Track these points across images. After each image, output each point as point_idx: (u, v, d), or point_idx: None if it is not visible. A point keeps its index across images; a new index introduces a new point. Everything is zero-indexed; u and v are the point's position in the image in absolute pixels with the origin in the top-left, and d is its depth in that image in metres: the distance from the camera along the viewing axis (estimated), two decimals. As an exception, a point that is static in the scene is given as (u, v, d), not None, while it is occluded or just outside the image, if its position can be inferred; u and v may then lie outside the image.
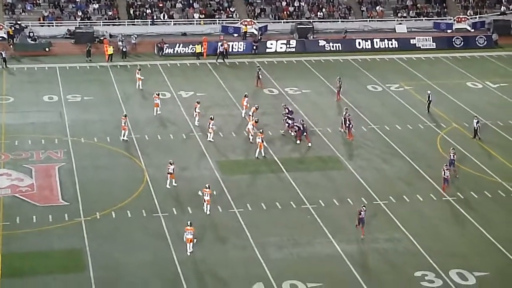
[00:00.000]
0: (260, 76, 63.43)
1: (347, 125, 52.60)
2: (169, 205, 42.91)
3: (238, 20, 79.21)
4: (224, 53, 70.46)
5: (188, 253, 37.60)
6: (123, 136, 51.36)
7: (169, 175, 44.66)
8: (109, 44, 69.47)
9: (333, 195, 44.76)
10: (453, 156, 46.71)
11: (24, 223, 40.58)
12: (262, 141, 49.23)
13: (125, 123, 51.50)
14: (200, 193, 42.52)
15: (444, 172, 44.69)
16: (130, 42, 72.13)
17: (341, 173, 47.81)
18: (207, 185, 42.16)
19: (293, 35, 77.98)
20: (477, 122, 53.34)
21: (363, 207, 39.99)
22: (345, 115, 53.45)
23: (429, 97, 58.12)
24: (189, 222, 37.87)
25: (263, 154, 49.34)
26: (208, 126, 51.34)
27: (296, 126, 51.96)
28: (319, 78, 66.17)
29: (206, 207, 41.88)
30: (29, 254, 37.85)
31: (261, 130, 50.33)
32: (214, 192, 42.72)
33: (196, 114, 53.86)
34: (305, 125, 52.00)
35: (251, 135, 51.63)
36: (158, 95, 57.01)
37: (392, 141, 52.58)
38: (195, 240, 37.64)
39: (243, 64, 69.00)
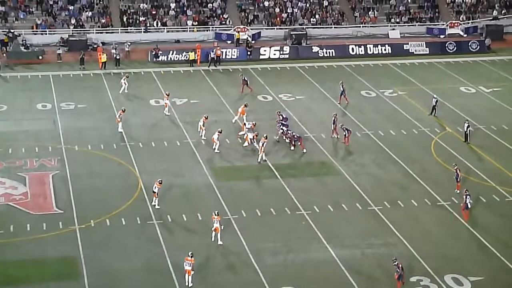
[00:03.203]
0: (248, 82, 63.38)
1: (344, 134, 52.54)
2: (163, 212, 42.81)
3: (231, 27, 79.27)
4: (216, 59, 70.55)
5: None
6: (119, 129, 53.36)
7: (154, 194, 43.35)
8: (103, 51, 69.43)
9: (327, 200, 44.74)
10: (458, 171, 45.79)
11: (18, 232, 40.47)
12: (263, 145, 49.24)
13: (119, 117, 53.38)
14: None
15: (465, 198, 42.40)
16: (123, 50, 72.11)
17: (335, 179, 47.79)
18: (216, 212, 40.18)
19: (286, 41, 78.07)
20: (468, 126, 53.40)
21: (394, 261, 36.14)
22: (334, 120, 53.58)
23: (436, 101, 58.38)
24: (190, 253, 36.07)
25: (264, 159, 49.38)
26: (214, 138, 50.70)
27: (290, 135, 51.94)
28: (313, 84, 66.20)
29: (215, 236, 39.53)
30: (23, 262, 37.76)
31: (265, 135, 50.31)
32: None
33: (202, 129, 52.81)
34: (298, 135, 51.90)
35: (248, 143, 51.63)
36: (168, 95, 57.88)
37: (386, 146, 52.60)
38: (192, 272, 35.94)
39: (236, 71, 68.97)
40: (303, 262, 38.37)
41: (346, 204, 44.37)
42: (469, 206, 42.62)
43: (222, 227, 40.04)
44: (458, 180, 45.67)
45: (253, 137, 51.73)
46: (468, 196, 42.42)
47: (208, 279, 36.63)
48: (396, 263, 36.07)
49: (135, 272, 37.08)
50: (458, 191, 45.47)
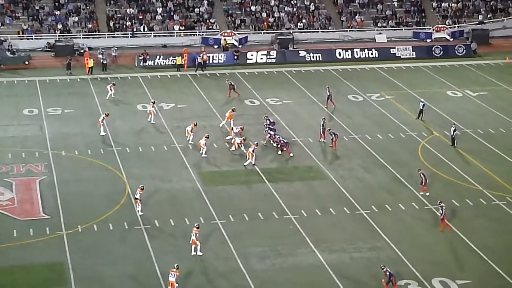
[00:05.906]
0: (235, 86, 63.33)
1: (331, 138, 52.60)
2: (151, 217, 42.72)
3: (218, 32, 79.26)
4: (202, 64, 70.52)
5: None
6: (101, 132, 53.78)
7: (136, 200, 42.98)
8: (90, 56, 69.29)
9: (315, 205, 44.76)
10: (422, 175, 45.95)
11: (5, 237, 40.27)
12: (253, 151, 49.23)
13: (102, 120, 53.84)
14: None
15: (440, 208, 41.96)
16: (110, 55, 72.00)
17: (323, 183, 47.82)
18: (196, 225, 39.52)
19: (273, 45, 78.12)
20: (455, 130, 53.57)
21: (382, 268, 36.25)
22: (322, 124, 53.66)
23: (423, 105, 58.56)
24: (175, 265, 35.68)
25: (253, 163, 49.36)
26: (201, 143, 50.66)
27: (278, 139, 51.96)
28: (300, 88, 66.27)
29: (195, 249, 38.87)
30: (10, 269, 37.58)
31: (256, 142, 50.34)
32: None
33: (190, 134, 52.63)
34: (285, 141, 51.92)
35: (235, 148, 51.63)
36: (154, 102, 57.78)
37: (374, 151, 52.68)
38: (176, 285, 35.41)
39: (224, 75, 68.99)
40: (291, 266, 38.36)
41: (334, 208, 44.40)
42: (442, 217, 41.89)
43: (198, 242, 39.11)
44: (423, 183, 45.93)
45: (241, 141, 51.74)
46: (442, 207, 41.98)
47: (196, 284, 36.54)
48: (384, 270, 36.08)
49: (122, 277, 36.97)
50: (426, 193, 45.92)
